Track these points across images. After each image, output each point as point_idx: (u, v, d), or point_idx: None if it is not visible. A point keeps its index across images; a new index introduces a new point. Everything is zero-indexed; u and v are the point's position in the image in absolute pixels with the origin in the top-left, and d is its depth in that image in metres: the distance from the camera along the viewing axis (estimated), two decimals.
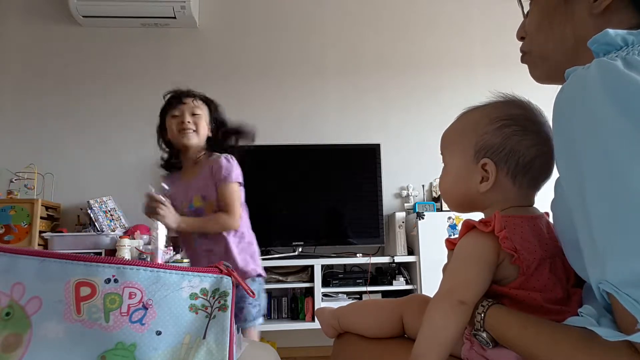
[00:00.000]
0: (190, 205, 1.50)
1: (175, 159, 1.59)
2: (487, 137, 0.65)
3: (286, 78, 3.00)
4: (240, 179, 1.53)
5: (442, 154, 0.73)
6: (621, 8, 0.57)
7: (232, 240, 1.49)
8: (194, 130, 1.51)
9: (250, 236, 1.61)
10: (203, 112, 1.57)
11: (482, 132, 0.65)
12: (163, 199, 1.43)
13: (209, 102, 1.62)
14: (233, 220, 1.47)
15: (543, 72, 0.67)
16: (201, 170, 1.52)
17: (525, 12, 0.69)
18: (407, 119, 2.99)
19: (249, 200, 2.79)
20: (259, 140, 2.87)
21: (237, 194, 1.51)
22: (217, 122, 1.62)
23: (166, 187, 1.49)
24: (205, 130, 1.56)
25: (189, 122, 1.51)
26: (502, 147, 0.63)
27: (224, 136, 1.61)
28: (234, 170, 1.51)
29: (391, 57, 3.06)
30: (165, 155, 1.61)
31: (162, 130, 1.59)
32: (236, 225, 1.49)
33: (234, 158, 1.55)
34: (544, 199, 0.68)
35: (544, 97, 0.74)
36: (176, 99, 1.55)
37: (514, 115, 0.65)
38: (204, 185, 1.50)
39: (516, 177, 0.64)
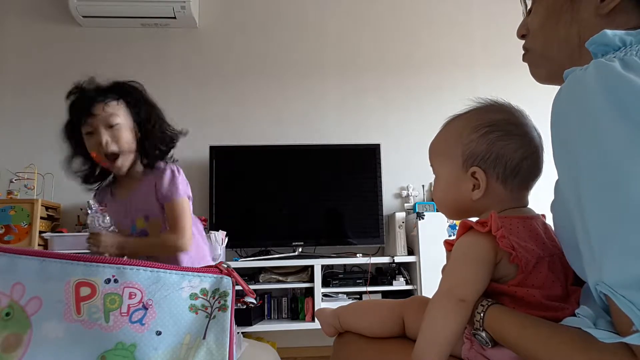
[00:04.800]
0: (133, 227, 1.29)
1: (98, 174, 1.32)
2: (473, 145, 0.65)
3: (286, 78, 3.00)
4: (189, 192, 1.31)
5: (431, 164, 0.74)
6: (629, 9, 0.57)
7: (183, 258, 1.29)
8: (115, 152, 1.23)
9: (202, 250, 1.37)
10: (121, 116, 1.25)
11: (467, 141, 0.66)
12: (96, 228, 1.21)
13: (125, 95, 1.28)
14: (182, 242, 1.25)
15: (545, 71, 0.67)
16: (140, 186, 1.29)
17: (527, 10, 0.69)
18: (407, 119, 2.99)
19: (249, 201, 2.81)
20: (259, 140, 2.89)
21: (186, 210, 1.28)
22: (143, 121, 1.29)
23: (94, 209, 1.23)
24: (129, 141, 1.26)
25: (106, 142, 1.21)
26: (489, 154, 0.64)
27: (154, 138, 1.29)
28: (180, 184, 1.28)
29: (391, 57, 3.06)
30: (84, 167, 1.31)
31: (75, 140, 1.27)
32: (186, 246, 1.26)
33: (179, 168, 1.31)
34: (542, 201, 0.69)
35: (544, 97, 0.74)
36: (83, 111, 1.22)
37: (495, 120, 0.66)
38: (146, 204, 1.27)
39: (506, 181, 0.65)
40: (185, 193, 1.29)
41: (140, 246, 1.26)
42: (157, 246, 1.27)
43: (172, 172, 1.28)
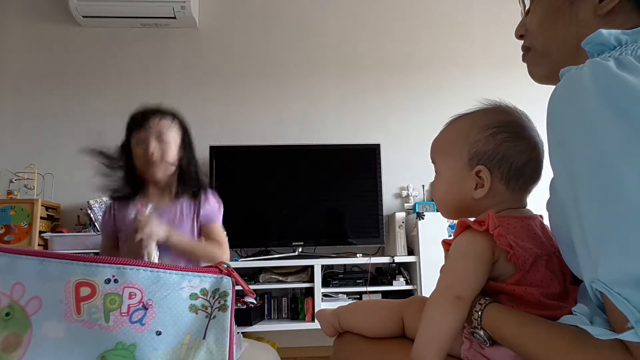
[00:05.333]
0: None
1: (132, 189, 1.39)
2: (480, 145, 0.66)
3: (286, 78, 3.00)
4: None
5: (433, 162, 0.74)
6: (627, 10, 0.57)
7: None
8: (160, 161, 1.33)
9: None
10: (172, 135, 1.36)
11: (474, 140, 0.66)
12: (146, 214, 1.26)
13: (181, 122, 1.41)
14: (225, 257, 1.39)
15: (543, 72, 0.67)
16: (176, 203, 1.38)
17: (526, 10, 0.69)
18: (407, 119, 2.99)
19: (249, 201, 2.80)
20: (259, 140, 2.89)
21: (224, 233, 1.44)
22: (187, 148, 1.41)
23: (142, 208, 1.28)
24: (174, 157, 1.36)
25: (153, 152, 1.31)
26: (495, 154, 0.65)
27: (194, 167, 1.42)
28: (221, 211, 1.44)
29: (391, 57, 3.06)
30: (120, 182, 1.39)
31: (127, 152, 1.37)
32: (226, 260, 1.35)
33: (218, 196, 1.45)
34: (539, 200, 0.69)
35: (544, 98, 0.74)
36: (140, 122, 1.34)
37: (503, 121, 0.66)
38: (179, 220, 1.36)
39: (509, 182, 0.65)
40: (221, 219, 1.45)
41: (187, 242, 1.34)
42: (202, 250, 1.36)
43: (219, 202, 1.44)
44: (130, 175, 1.38)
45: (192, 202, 1.40)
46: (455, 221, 0.69)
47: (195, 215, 1.40)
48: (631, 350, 0.43)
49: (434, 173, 0.75)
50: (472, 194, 0.66)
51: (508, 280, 0.60)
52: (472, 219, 0.64)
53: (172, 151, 1.36)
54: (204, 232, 1.41)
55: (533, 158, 0.65)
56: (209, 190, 1.45)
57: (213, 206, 1.43)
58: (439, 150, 0.73)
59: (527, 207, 0.68)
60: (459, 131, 0.69)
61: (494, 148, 0.65)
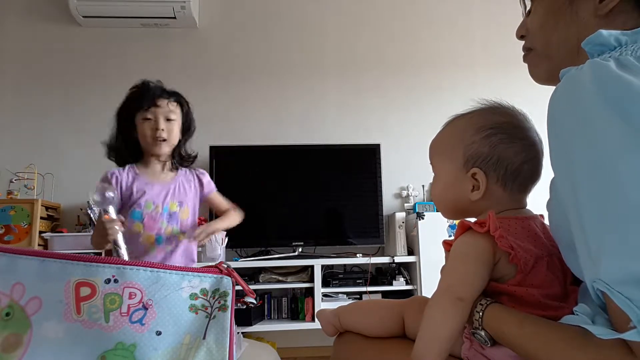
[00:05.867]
0: (165, 208, 1.46)
1: (134, 156, 1.51)
2: (475, 147, 0.65)
3: (286, 78, 2.99)
4: None
5: (431, 163, 0.74)
6: (628, 10, 0.57)
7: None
8: (165, 139, 1.45)
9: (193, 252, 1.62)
10: (177, 117, 1.50)
11: (470, 142, 0.66)
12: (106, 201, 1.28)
13: (182, 104, 1.54)
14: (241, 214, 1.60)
15: (543, 72, 0.67)
16: (176, 178, 1.53)
17: (527, 11, 0.69)
18: (407, 119, 2.99)
19: (249, 201, 2.80)
20: (259, 140, 2.89)
21: None
22: (187, 128, 1.55)
23: (111, 194, 1.28)
24: (177, 138, 1.50)
25: (162, 129, 1.44)
26: (490, 156, 0.64)
27: (188, 147, 1.58)
28: None
29: (391, 57, 3.06)
30: (121, 147, 1.50)
31: (127, 125, 1.47)
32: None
33: None
34: (539, 200, 0.69)
35: (544, 98, 0.74)
36: (150, 99, 1.45)
37: (499, 123, 0.66)
38: (184, 193, 1.51)
39: (506, 184, 0.65)
40: None
41: (226, 223, 1.56)
42: (232, 216, 1.58)
43: (208, 174, 1.62)
44: (130, 144, 1.49)
45: (189, 175, 1.56)
46: (456, 221, 0.69)
47: (198, 185, 1.57)
48: (633, 350, 0.43)
49: (433, 172, 0.75)
50: (469, 195, 0.66)
51: (509, 281, 0.60)
52: (472, 220, 0.64)
53: (177, 132, 1.49)
54: (211, 199, 1.60)
55: (530, 159, 0.65)
56: (198, 169, 1.62)
57: (209, 179, 1.61)
58: (435, 151, 0.73)
59: (527, 207, 0.68)
60: (455, 133, 0.69)
61: (489, 150, 0.64)
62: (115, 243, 1.24)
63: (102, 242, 1.28)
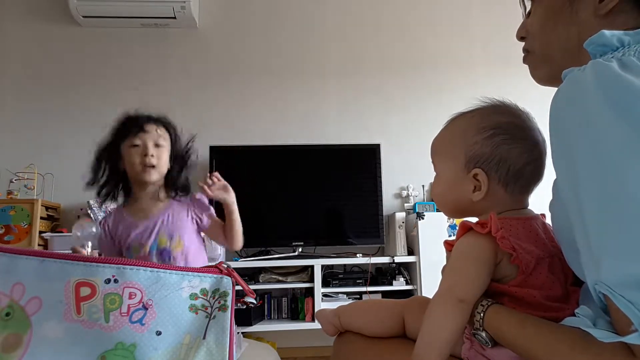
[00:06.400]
0: (153, 245, 1.38)
1: (124, 191, 1.43)
2: (477, 147, 0.65)
3: (286, 78, 2.99)
4: None
5: (432, 161, 0.73)
6: (627, 10, 0.57)
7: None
8: (154, 165, 1.37)
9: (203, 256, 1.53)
10: (166, 142, 1.42)
11: (472, 142, 0.65)
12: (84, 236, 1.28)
13: (170, 129, 1.46)
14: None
15: (544, 73, 0.67)
16: (167, 208, 1.42)
17: (527, 12, 0.69)
18: (407, 119, 2.99)
19: (249, 201, 2.80)
20: (259, 140, 2.89)
21: None
22: (177, 155, 1.46)
23: (92, 230, 1.29)
24: (166, 166, 1.42)
25: (152, 155, 1.36)
26: (492, 157, 0.64)
27: (179, 170, 1.47)
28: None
29: (391, 57, 3.06)
30: (106, 184, 1.42)
31: (112, 156, 1.40)
32: (239, 245, 1.46)
33: None
34: (541, 200, 0.69)
35: (544, 98, 0.74)
36: (137, 126, 1.38)
37: (501, 123, 0.65)
38: (173, 223, 1.40)
39: (508, 185, 0.64)
40: None
41: (237, 214, 1.43)
42: (239, 225, 1.44)
43: (205, 199, 1.48)
44: (117, 177, 1.42)
45: (183, 203, 1.45)
46: (456, 221, 0.69)
47: (193, 213, 1.45)
48: (635, 353, 0.42)
49: (434, 171, 0.74)
50: (470, 196, 0.66)
51: (510, 282, 0.60)
52: (474, 221, 0.64)
53: (166, 158, 1.41)
54: (214, 224, 1.46)
55: (533, 159, 0.64)
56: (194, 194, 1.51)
57: (205, 204, 1.48)
58: (437, 150, 0.73)
59: (529, 207, 0.68)
60: (456, 132, 0.69)
61: (491, 150, 0.64)
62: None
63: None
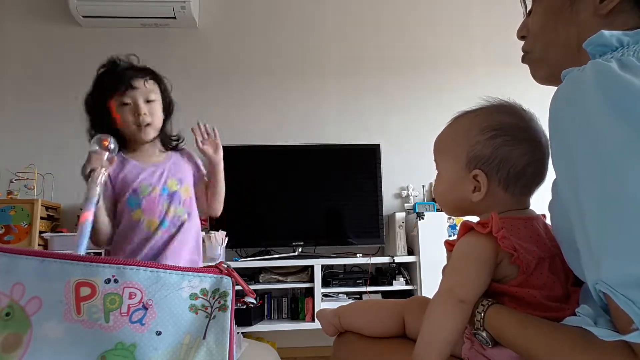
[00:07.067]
0: (164, 188, 1.33)
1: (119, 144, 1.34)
2: (478, 148, 0.65)
3: (286, 78, 3.00)
4: None
5: (435, 160, 0.73)
6: (627, 10, 0.57)
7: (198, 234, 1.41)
8: (149, 123, 1.30)
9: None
10: (157, 96, 1.34)
11: (473, 142, 0.65)
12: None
13: (159, 80, 1.39)
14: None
15: (545, 73, 0.67)
16: (169, 157, 1.39)
17: (527, 11, 0.69)
18: (407, 119, 2.99)
19: (250, 201, 2.80)
20: (259, 140, 2.89)
21: None
22: (168, 106, 1.39)
23: (112, 144, 1.23)
24: (161, 120, 1.36)
25: (145, 113, 1.29)
26: (493, 158, 0.64)
27: (169, 121, 1.42)
28: None
29: (391, 57, 3.06)
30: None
31: (101, 113, 1.33)
32: (219, 210, 1.46)
33: None
34: (541, 200, 0.68)
35: (545, 98, 0.74)
36: (124, 82, 1.28)
37: (504, 124, 0.65)
38: (179, 171, 1.38)
39: (508, 186, 0.64)
40: None
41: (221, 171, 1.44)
42: (223, 184, 1.45)
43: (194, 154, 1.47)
44: (110, 133, 1.32)
45: (181, 154, 1.44)
46: (456, 221, 0.69)
47: (194, 166, 1.45)
48: (636, 352, 0.43)
49: (436, 170, 0.74)
50: (470, 196, 0.65)
51: (511, 282, 0.60)
52: (475, 221, 0.64)
53: (159, 112, 1.35)
54: (201, 181, 1.45)
55: (535, 161, 0.64)
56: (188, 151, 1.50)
57: (200, 164, 1.47)
58: (440, 148, 0.72)
59: (531, 207, 0.67)
60: (459, 131, 0.68)
61: (492, 152, 0.64)
62: (93, 174, 1.19)
63: (85, 167, 1.23)
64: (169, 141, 1.43)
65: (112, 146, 1.23)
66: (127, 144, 1.37)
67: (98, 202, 1.21)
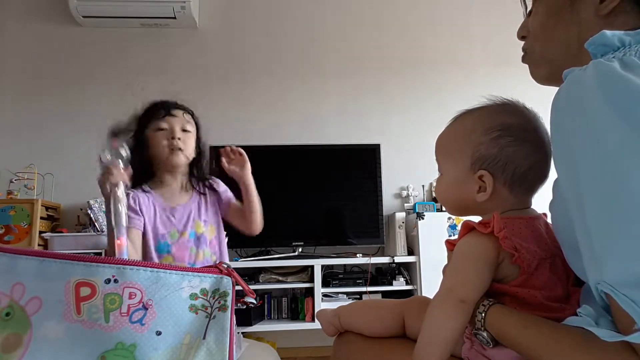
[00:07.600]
0: (192, 232, 1.35)
1: (145, 174, 1.36)
2: (483, 148, 0.64)
3: (286, 78, 3.00)
4: None
5: (437, 159, 0.73)
6: (628, 10, 0.57)
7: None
8: (181, 149, 1.33)
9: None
10: (192, 129, 1.40)
11: (477, 143, 0.65)
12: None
13: (196, 118, 1.46)
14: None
15: (544, 72, 0.67)
16: (192, 197, 1.40)
17: (527, 12, 0.69)
18: (407, 119, 2.99)
19: None
20: (259, 140, 2.89)
21: None
22: (200, 145, 1.44)
23: (124, 152, 1.14)
24: (192, 153, 1.39)
25: (179, 138, 1.33)
26: (498, 159, 0.63)
27: (202, 160, 1.44)
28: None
29: (391, 57, 3.06)
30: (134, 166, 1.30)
31: (139, 142, 1.35)
32: (259, 227, 1.47)
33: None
34: (542, 200, 0.68)
35: (545, 98, 0.74)
36: (164, 110, 1.36)
37: (508, 124, 0.64)
38: (204, 211, 1.39)
39: (513, 187, 0.64)
40: None
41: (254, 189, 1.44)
42: (258, 202, 1.45)
43: (220, 181, 1.48)
44: (142, 163, 1.34)
45: (206, 191, 1.44)
46: (457, 221, 0.69)
47: (216, 201, 1.45)
48: (638, 352, 0.42)
49: (438, 170, 0.73)
50: (475, 197, 0.65)
51: (512, 282, 0.60)
52: (476, 221, 0.64)
53: (192, 145, 1.39)
54: (233, 208, 1.46)
55: (539, 161, 0.64)
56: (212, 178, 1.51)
57: (223, 184, 1.48)
58: (442, 149, 0.72)
59: (532, 207, 0.67)
60: (462, 131, 0.68)
61: (497, 152, 0.63)
62: (115, 188, 1.08)
63: (104, 184, 1.11)
64: (197, 180, 1.43)
65: (123, 153, 1.16)
66: (155, 175, 1.38)
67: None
